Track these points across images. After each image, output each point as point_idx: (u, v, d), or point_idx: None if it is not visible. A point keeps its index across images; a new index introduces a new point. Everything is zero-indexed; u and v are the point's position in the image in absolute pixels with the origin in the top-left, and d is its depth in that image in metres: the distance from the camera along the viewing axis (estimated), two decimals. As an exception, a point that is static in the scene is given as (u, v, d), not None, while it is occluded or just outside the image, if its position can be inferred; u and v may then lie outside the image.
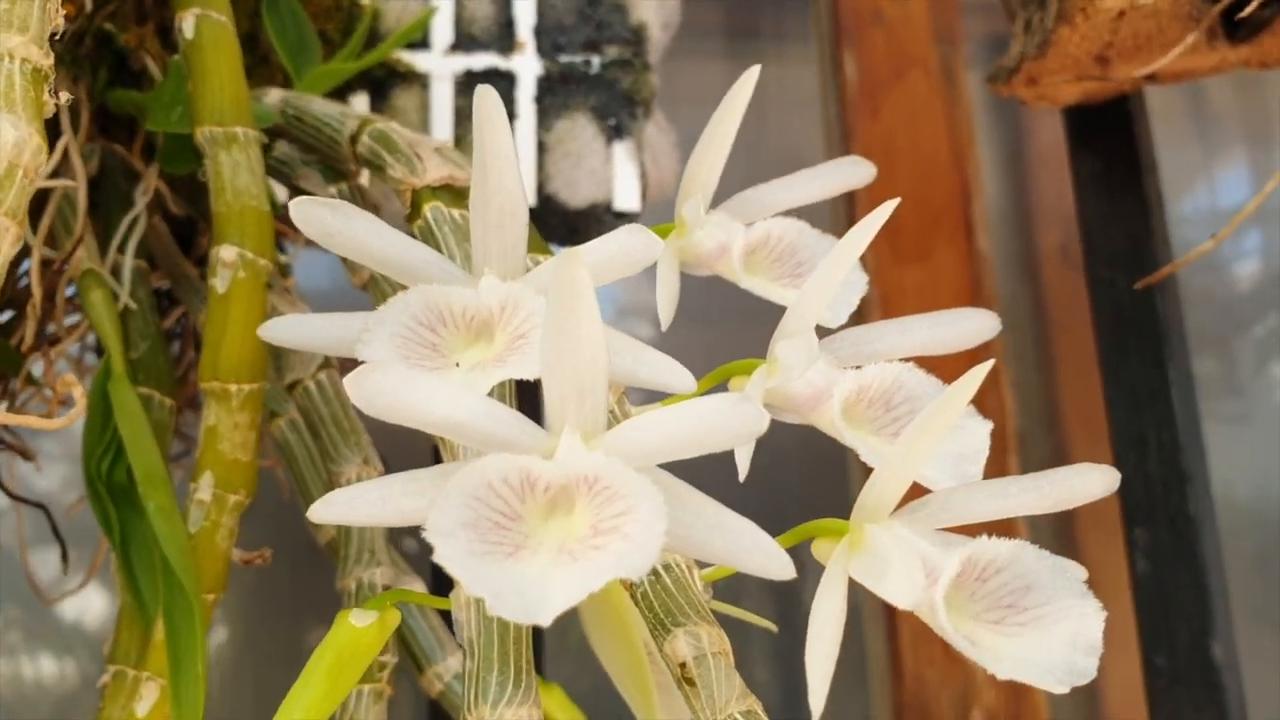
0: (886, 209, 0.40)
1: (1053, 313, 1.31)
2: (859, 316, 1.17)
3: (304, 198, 0.39)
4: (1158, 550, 0.73)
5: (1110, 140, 0.81)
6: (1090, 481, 0.36)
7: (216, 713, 1.03)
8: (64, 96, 0.34)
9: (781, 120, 1.38)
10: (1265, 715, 1.02)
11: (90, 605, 1.08)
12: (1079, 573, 0.37)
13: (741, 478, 0.40)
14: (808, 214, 0.52)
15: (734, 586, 0.45)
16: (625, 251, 0.40)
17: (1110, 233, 0.79)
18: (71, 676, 1.08)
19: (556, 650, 0.99)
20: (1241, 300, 1.38)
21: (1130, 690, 1.01)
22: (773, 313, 0.46)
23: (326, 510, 0.36)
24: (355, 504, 0.36)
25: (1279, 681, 1.11)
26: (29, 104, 0.33)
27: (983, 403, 1.13)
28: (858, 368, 0.43)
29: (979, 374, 0.34)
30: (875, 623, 1.11)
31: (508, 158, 0.40)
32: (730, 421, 0.33)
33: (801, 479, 1.18)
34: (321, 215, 0.40)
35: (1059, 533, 1.19)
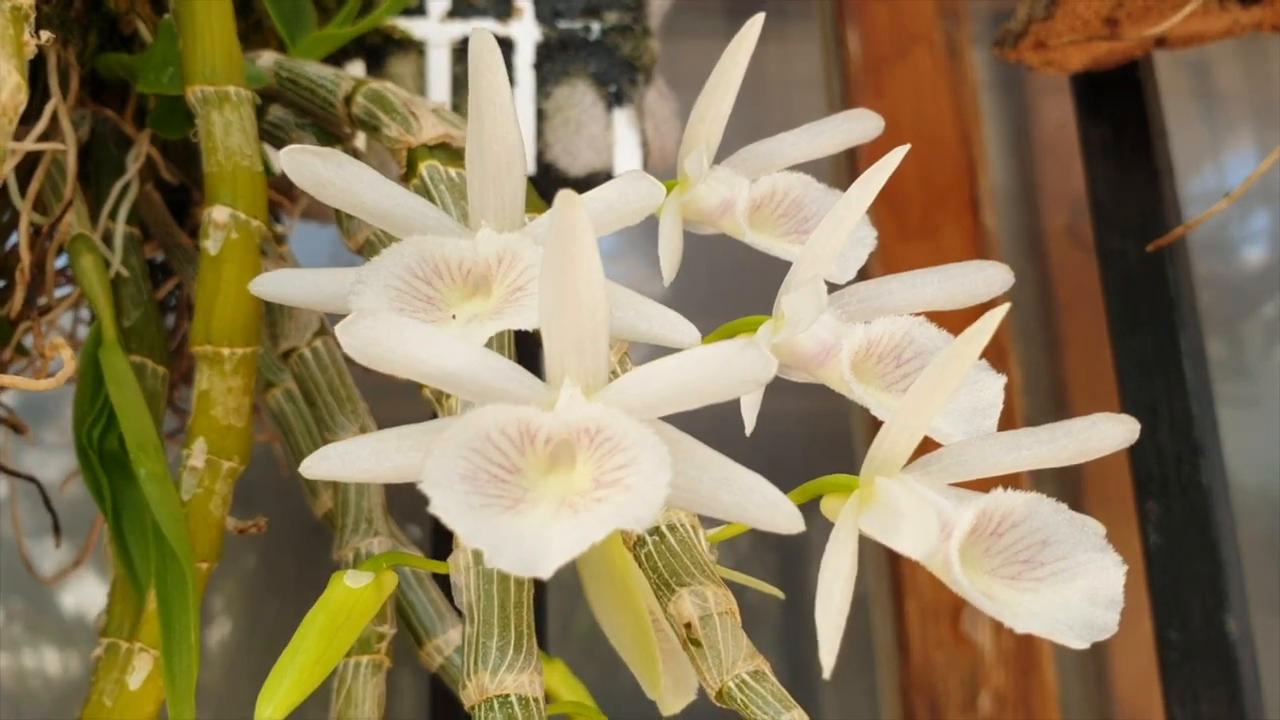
0: (895, 156, 0.39)
1: (1059, 292, 1.30)
2: (875, 233, 1.15)
3: (296, 146, 0.38)
4: (1170, 523, 0.71)
5: (1119, 108, 0.80)
6: (1108, 432, 0.35)
7: (218, 693, 1.03)
8: (45, 35, 0.33)
9: (783, 99, 1.37)
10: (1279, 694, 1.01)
11: (94, 597, 1.08)
12: (1098, 528, 0.36)
13: (748, 431, 0.39)
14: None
15: (736, 565, 0.44)
16: (626, 199, 0.39)
17: (1120, 202, 0.78)
18: (74, 668, 1.08)
19: (560, 636, 0.98)
20: (1249, 282, 1.38)
21: (1140, 668, 1.00)
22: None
23: (319, 465, 0.34)
24: (349, 459, 0.34)
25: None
26: (8, 41, 0.32)
27: (989, 380, 1.10)
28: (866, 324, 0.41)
29: (993, 321, 0.33)
30: (882, 605, 1.10)
31: (505, 105, 0.39)
32: (735, 368, 0.32)
33: (803, 450, 1.17)
34: (313, 164, 0.38)
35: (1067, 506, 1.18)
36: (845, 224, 0.41)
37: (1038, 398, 1.24)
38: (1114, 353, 0.76)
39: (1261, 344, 1.36)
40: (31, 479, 0.65)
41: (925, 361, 0.41)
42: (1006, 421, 1.03)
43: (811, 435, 1.16)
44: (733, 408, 0.41)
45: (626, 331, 0.40)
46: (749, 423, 0.40)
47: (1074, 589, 0.33)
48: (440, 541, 0.72)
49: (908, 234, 1.17)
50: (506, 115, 0.39)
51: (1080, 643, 0.32)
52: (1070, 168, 1.19)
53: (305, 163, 0.38)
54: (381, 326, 0.32)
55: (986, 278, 0.42)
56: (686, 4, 1.20)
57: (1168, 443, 0.72)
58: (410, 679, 0.97)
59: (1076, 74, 0.81)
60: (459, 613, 0.55)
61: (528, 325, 0.37)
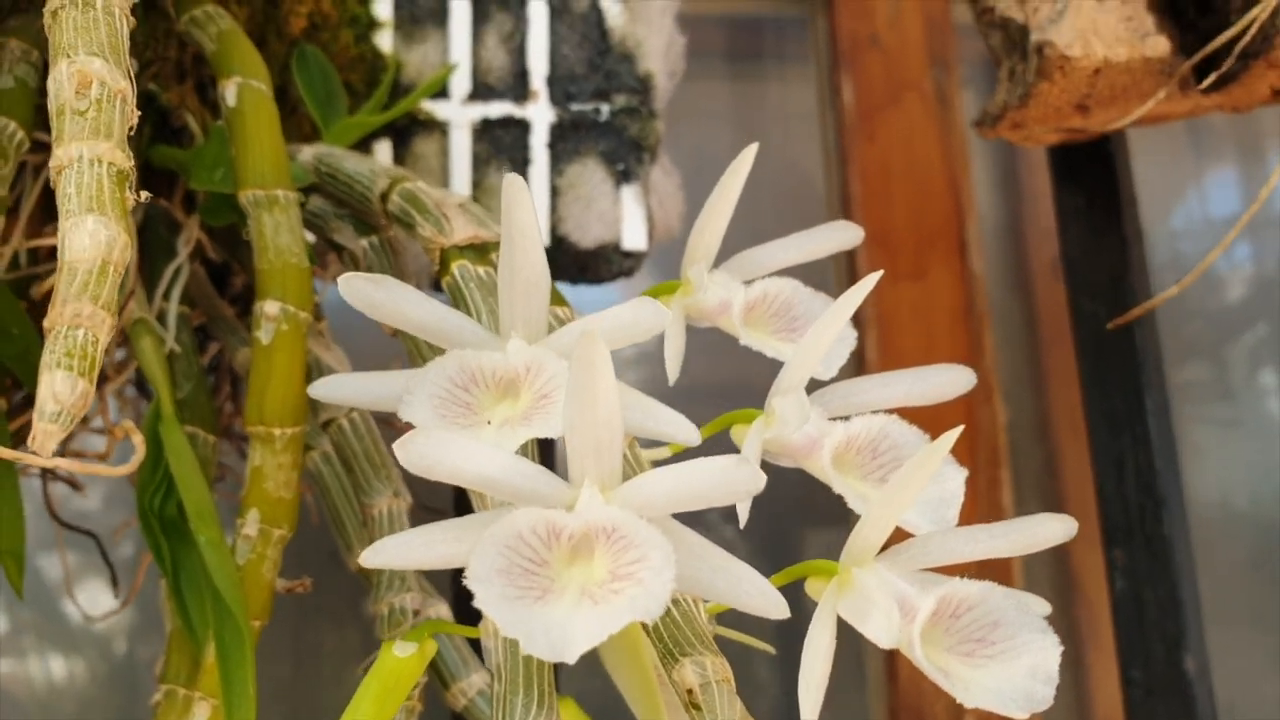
0: (870, 281, 0.45)
1: (1044, 326, 1.35)
2: (857, 332, 1.20)
3: (352, 274, 0.44)
4: (1134, 569, 0.77)
5: (1092, 177, 0.86)
6: (1050, 530, 0.41)
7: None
8: (144, 195, 0.39)
9: (783, 136, 1.42)
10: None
11: (102, 608, 1.12)
12: (1041, 609, 0.42)
13: (741, 526, 0.45)
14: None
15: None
16: (637, 320, 0.45)
17: (1092, 266, 0.84)
18: (82, 678, 1.12)
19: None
20: (1233, 308, 1.42)
21: (1117, 697, 1.05)
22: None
23: (377, 557, 0.40)
24: (403, 551, 0.40)
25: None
26: (116, 204, 0.38)
27: (976, 415, 1.18)
28: (846, 418, 0.47)
29: (951, 438, 0.39)
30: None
31: (533, 237, 0.45)
32: (730, 481, 0.38)
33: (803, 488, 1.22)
34: (366, 290, 0.44)
35: (1053, 549, 1.24)
36: (830, 332, 0.47)
37: (1023, 431, 1.29)
38: (1085, 410, 0.82)
39: (1245, 368, 1.41)
40: (89, 533, 0.71)
41: (899, 454, 0.47)
42: (991, 457, 1.09)
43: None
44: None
45: (636, 429, 0.46)
46: (742, 519, 0.45)
47: (1018, 666, 0.39)
48: (462, 588, 0.78)
49: (898, 275, 1.23)
50: (534, 245, 0.45)
51: (1020, 714, 0.38)
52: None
53: (359, 288, 0.44)
54: (431, 444, 0.38)
55: (951, 379, 0.48)
56: (688, 48, 1.25)
57: (1133, 495, 0.78)
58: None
59: (1053, 146, 0.87)
60: (481, 659, 0.61)
61: (553, 433, 0.43)
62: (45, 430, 0.32)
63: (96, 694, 1.11)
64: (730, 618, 0.52)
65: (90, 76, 0.39)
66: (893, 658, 1.12)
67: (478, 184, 0.77)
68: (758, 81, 1.46)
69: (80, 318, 0.34)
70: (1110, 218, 0.83)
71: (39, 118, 0.57)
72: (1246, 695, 1.21)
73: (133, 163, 0.39)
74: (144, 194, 0.39)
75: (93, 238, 0.36)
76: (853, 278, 1.21)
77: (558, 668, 0.83)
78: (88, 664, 1.12)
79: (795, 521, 1.22)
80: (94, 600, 1.10)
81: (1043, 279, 1.38)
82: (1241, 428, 1.37)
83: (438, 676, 0.60)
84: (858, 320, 1.29)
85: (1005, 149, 1.41)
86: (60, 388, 0.33)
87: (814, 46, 1.36)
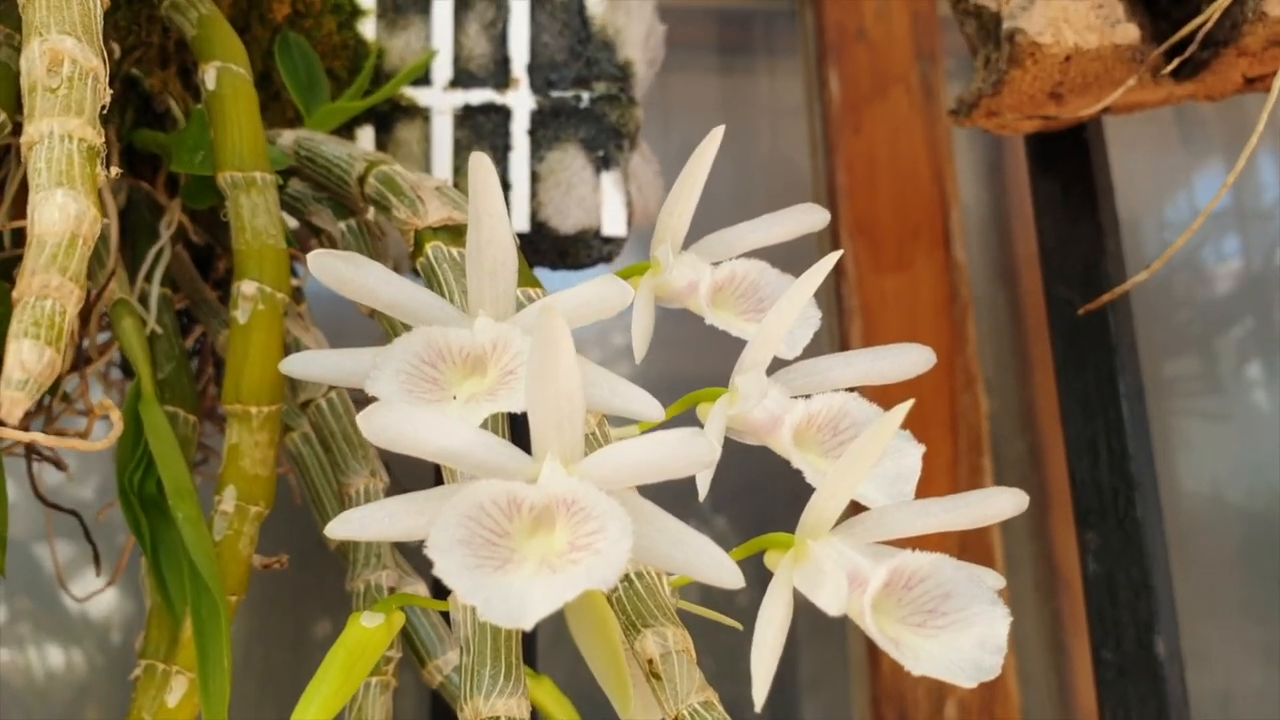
0: (831, 259, 0.46)
1: (1029, 317, 1.36)
2: (841, 322, 1.21)
3: (322, 250, 0.45)
4: (1106, 551, 0.78)
5: (1068, 165, 0.86)
6: (1001, 503, 0.42)
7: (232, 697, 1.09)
8: (114, 171, 0.40)
9: (772, 129, 1.43)
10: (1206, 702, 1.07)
11: (101, 599, 1.13)
12: (994, 582, 0.43)
13: (701, 498, 0.46)
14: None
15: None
16: (602, 297, 0.46)
17: (1067, 253, 0.85)
18: (80, 667, 1.13)
19: (552, 644, 1.04)
20: (1223, 301, 1.43)
21: (1094, 681, 1.06)
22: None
23: (341, 528, 0.41)
24: (366, 523, 0.41)
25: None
26: (85, 179, 0.38)
27: (957, 404, 1.19)
28: (807, 396, 0.48)
29: (901, 411, 0.40)
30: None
31: (499, 215, 0.45)
32: (686, 453, 0.39)
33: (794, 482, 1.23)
34: (336, 265, 0.45)
35: (1035, 531, 1.25)
36: (791, 312, 0.48)
37: (1007, 421, 1.30)
38: (1059, 394, 0.83)
39: (1235, 361, 1.42)
40: (73, 512, 0.71)
41: (859, 431, 0.47)
42: (973, 445, 1.10)
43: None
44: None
45: (602, 406, 0.47)
46: (702, 491, 0.46)
47: (967, 636, 0.40)
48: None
49: (883, 266, 1.24)
50: (501, 225, 0.46)
51: (969, 683, 0.39)
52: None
53: (329, 265, 0.45)
54: (394, 416, 0.39)
55: (913, 358, 0.49)
56: (680, 41, 1.26)
57: (1106, 478, 0.79)
58: (414, 691, 1.04)
59: (1029, 134, 0.88)
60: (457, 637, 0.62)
61: (517, 408, 0.43)
62: (12, 398, 0.33)
63: (93, 684, 1.13)
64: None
65: (62, 55, 0.40)
66: (875, 646, 1.13)
67: (459, 170, 0.78)
68: (747, 75, 1.47)
69: (48, 288, 0.35)
70: (1086, 206, 0.84)
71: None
72: (1237, 686, 1.23)
73: (103, 139, 0.39)
74: (115, 170, 0.39)
75: (62, 211, 0.37)
76: (838, 269, 1.22)
77: (531, 644, 0.84)
78: (85, 654, 1.13)
79: (787, 516, 1.23)
80: (89, 588, 1.12)
81: (1028, 270, 1.39)
82: (1230, 421, 1.38)
83: (414, 654, 0.61)
84: (842, 311, 1.30)
85: (991, 143, 1.42)
86: (27, 356, 0.34)
87: (802, 39, 1.37)
